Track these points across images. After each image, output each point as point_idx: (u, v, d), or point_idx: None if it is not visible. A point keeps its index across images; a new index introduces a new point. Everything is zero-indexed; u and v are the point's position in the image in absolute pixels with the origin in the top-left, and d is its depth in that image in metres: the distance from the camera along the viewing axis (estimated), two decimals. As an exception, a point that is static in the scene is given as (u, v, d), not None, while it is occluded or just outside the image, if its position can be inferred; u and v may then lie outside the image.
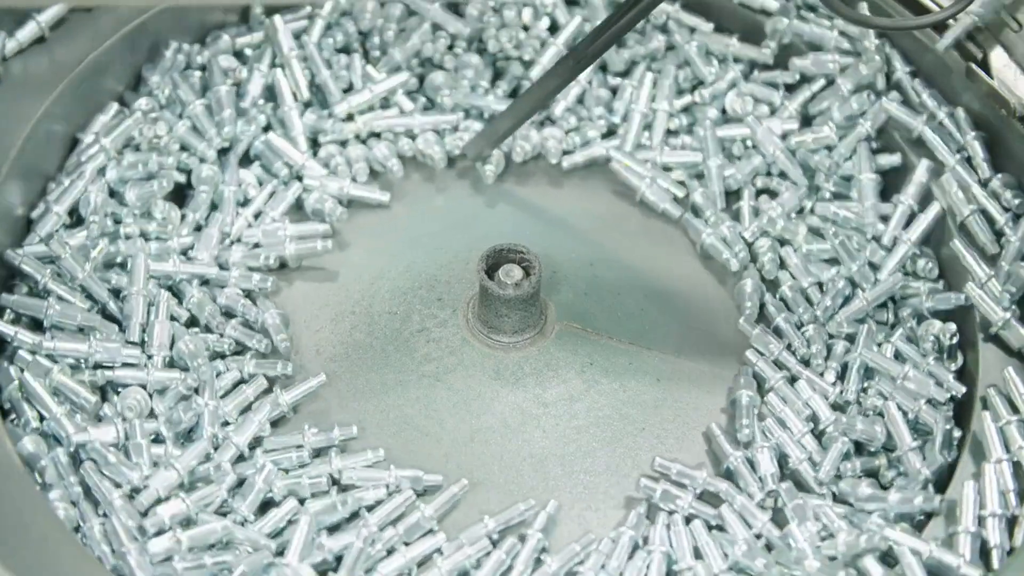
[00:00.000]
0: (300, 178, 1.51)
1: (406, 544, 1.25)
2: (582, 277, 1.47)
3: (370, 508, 1.27)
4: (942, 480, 1.27)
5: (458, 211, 1.53)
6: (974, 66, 1.47)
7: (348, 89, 1.58)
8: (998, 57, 1.47)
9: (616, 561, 1.24)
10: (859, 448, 1.32)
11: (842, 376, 1.37)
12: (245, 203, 1.49)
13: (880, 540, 1.19)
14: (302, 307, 1.43)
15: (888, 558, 1.21)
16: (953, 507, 1.23)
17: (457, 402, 1.37)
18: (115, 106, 1.49)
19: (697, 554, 1.24)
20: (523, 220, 1.52)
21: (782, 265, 1.47)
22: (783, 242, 1.48)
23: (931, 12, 1.47)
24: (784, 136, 1.52)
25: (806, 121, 1.55)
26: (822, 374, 1.37)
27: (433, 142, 1.54)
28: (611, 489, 1.31)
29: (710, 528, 1.27)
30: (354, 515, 1.27)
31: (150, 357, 1.34)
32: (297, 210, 1.50)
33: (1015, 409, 1.28)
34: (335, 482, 1.29)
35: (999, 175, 1.43)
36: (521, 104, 1.50)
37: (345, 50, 1.61)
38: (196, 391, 1.32)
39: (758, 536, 1.25)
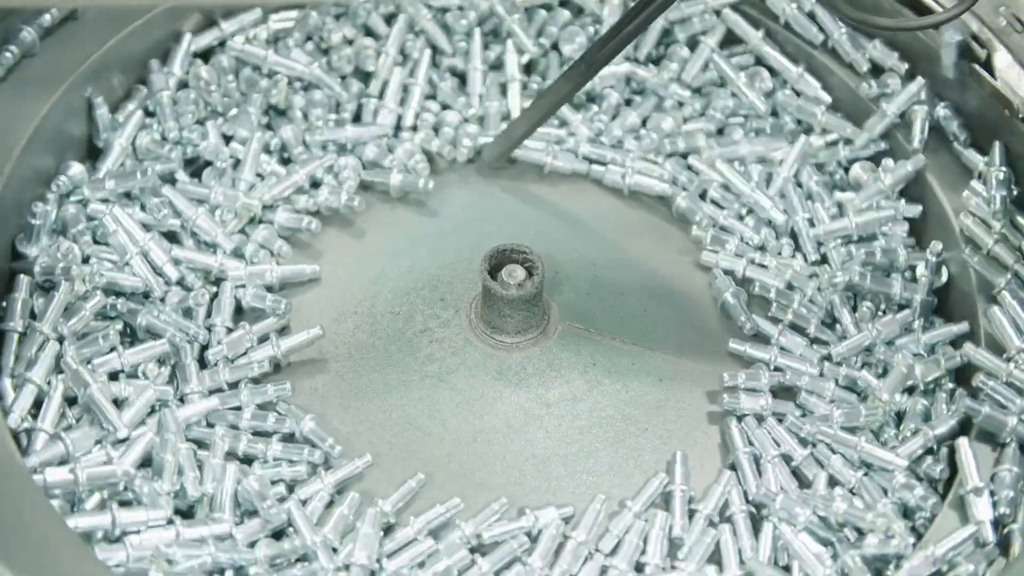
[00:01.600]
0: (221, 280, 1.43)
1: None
2: (585, 277, 1.47)
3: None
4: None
5: (461, 211, 1.53)
6: (977, 67, 1.47)
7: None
8: (1001, 58, 1.47)
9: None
10: None
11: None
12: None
13: None
14: (304, 308, 1.43)
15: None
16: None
17: (460, 402, 1.37)
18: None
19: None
20: (526, 220, 1.52)
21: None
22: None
23: (934, 12, 1.46)
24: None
25: None
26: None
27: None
28: (613, 490, 1.31)
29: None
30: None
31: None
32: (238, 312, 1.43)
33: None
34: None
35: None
36: (535, 109, 1.50)
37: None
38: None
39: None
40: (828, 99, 1.55)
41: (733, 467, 1.32)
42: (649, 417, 1.37)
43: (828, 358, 1.38)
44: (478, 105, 1.58)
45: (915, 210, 1.46)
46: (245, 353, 1.36)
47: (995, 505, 1.22)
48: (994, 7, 1.46)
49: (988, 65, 1.47)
